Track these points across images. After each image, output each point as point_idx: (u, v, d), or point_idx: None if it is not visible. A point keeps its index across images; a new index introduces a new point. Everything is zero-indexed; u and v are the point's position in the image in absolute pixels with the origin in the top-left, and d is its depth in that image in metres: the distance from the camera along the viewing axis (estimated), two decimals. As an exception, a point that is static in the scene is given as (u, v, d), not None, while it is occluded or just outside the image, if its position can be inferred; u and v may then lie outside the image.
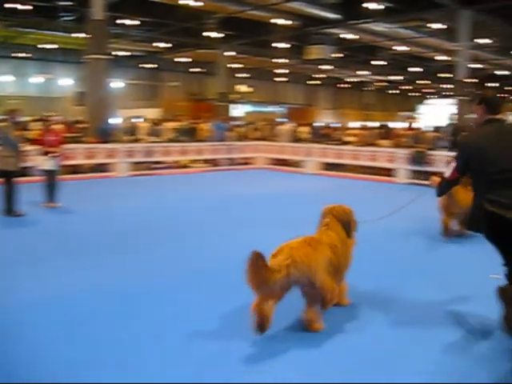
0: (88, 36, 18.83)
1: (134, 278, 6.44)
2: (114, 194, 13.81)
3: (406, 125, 24.79)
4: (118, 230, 9.13)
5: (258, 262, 4.47)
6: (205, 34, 30.43)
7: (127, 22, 27.47)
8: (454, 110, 24.25)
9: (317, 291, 4.82)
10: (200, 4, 23.65)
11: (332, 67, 45.16)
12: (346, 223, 5.39)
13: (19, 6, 24.28)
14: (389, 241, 8.65)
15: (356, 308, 5.55)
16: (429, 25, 27.16)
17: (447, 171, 5.09)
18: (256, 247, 4.49)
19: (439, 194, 5.63)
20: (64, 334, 4.77)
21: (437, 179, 5.45)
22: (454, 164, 4.99)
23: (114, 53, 34.61)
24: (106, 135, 17.85)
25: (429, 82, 54.85)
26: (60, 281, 6.29)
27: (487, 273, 6.01)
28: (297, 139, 22.18)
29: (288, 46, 34.36)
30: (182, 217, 10.62)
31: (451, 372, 4.20)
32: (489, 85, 52.22)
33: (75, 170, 17.26)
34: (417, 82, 55.27)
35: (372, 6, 22.98)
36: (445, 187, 5.33)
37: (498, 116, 5.02)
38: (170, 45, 36.08)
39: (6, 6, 24.12)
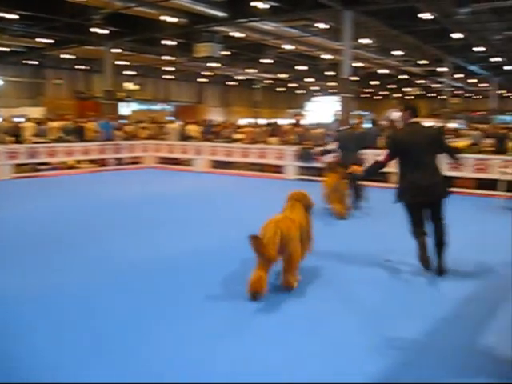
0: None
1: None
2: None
3: (293, 121, 25.36)
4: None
5: (259, 243, 5.79)
6: (90, 29, 29.65)
7: (7, 15, 26.21)
8: (339, 106, 24.91)
9: (291, 257, 6.13)
10: (85, -1, 22.99)
11: (220, 65, 45.32)
12: (305, 205, 6.84)
13: None
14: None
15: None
16: (314, 24, 27.80)
17: (380, 157, 7.20)
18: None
19: (368, 175, 8.34)
20: None
21: (357, 168, 7.95)
22: (386, 152, 7.09)
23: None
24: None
25: (315, 79, 56.24)
26: None
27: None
28: (186, 137, 22.10)
29: (176, 43, 34.15)
30: (68, 221, 10.30)
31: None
32: (371, 83, 54.42)
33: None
34: (304, 79, 56.53)
35: (258, 4, 23.22)
36: (378, 168, 7.36)
37: (417, 119, 7.15)
38: (53, 40, 34.85)
39: None
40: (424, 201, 6.82)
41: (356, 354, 4.61)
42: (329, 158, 12.66)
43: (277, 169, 18.24)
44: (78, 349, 4.61)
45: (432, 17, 24.59)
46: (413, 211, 6.92)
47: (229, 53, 37.19)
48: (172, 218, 10.54)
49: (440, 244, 6.82)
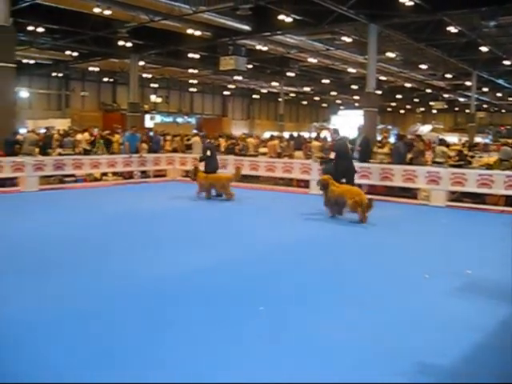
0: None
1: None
2: (20, 210, 13.20)
3: (316, 135, 25.26)
4: (26, 249, 8.71)
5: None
6: (116, 42, 29.95)
7: (35, 29, 26.59)
8: (363, 121, 24.81)
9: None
10: (111, 12, 23.16)
11: (245, 78, 45.50)
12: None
13: None
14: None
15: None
16: (339, 38, 27.78)
17: (331, 155, 13.07)
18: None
19: (326, 168, 13.73)
20: None
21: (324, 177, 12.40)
22: (333, 153, 12.98)
23: (21, 60, 33.60)
24: (10, 147, 17.08)
25: (339, 93, 56.19)
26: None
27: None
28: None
29: (200, 56, 34.35)
30: (95, 233, 10.28)
31: None
32: (396, 97, 54.18)
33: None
34: (328, 93, 56.48)
35: (283, 18, 23.26)
36: (329, 162, 13.13)
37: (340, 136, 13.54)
38: (79, 53, 35.27)
39: None
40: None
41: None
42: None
43: (303, 183, 18.14)
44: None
45: (458, 30, 24.41)
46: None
47: (253, 66, 37.34)
48: (194, 232, 10.47)
49: None
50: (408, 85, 45.84)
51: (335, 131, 14.58)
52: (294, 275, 7.45)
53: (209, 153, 15.66)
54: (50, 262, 7.89)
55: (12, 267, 7.48)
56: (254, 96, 62.94)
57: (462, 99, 51.74)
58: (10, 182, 16.97)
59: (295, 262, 8.18)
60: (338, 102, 65.74)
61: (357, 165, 16.12)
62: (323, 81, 46.27)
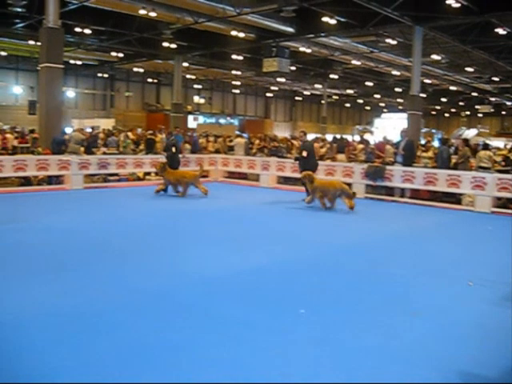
0: (42, 44, 18.40)
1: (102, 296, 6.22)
2: (67, 207, 13.43)
3: (359, 138, 25.09)
4: (71, 246, 8.84)
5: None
6: (161, 44, 30.29)
7: (82, 30, 27.11)
8: (406, 124, 24.58)
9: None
10: (156, 14, 23.45)
11: (288, 80, 45.50)
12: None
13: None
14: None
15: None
16: (383, 40, 27.56)
17: (304, 153, 14.60)
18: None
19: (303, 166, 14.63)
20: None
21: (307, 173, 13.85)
22: (305, 152, 14.56)
23: (68, 61, 34.24)
24: (58, 146, 17.42)
25: (383, 96, 55.79)
26: (11, 300, 6.00)
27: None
28: (252, 152, 22.18)
29: (244, 58, 34.49)
30: (141, 232, 10.38)
31: None
32: (440, 100, 53.48)
33: (27, 181, 16.88)
34: (371, 95, 56.10)
35: (327, 20, 23.20)
36: (303, 159, 14.62)
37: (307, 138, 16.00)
38: (125, 54, 35.79)
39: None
40: None
41: None
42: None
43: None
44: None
45: (506, 32, 23.95)
46: None
47: (297, 68, 37.34)
48: (235, 233, 10.47)
49: None
50: (453, 88, 45.22)
51: (304, 133, 16.10)
52: (338, 277, 7.41)
53: (174, 149, 16.32)
54: (93, 258, 8.00)
55: (56, 263, 7.61)
56: (297, 98, 62.91)
57: (509, 103, 50.79)
58: (56, 179, 17.32)
59: (338, 265, 8.13)
60: (382, 104, 65.27)
61: (400, 168, 16.03)
62: (367, 83, 46.00)
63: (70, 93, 42.99)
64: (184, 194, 15.41)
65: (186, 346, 4.88)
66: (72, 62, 37.20)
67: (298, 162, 15.41)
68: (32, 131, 22.76)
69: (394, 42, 27.68)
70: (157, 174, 16.54)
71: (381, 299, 6.52)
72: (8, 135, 22.24)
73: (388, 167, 16.32)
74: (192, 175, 15.73)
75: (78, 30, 27.03)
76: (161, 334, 5.18)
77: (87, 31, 27.52)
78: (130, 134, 23.35)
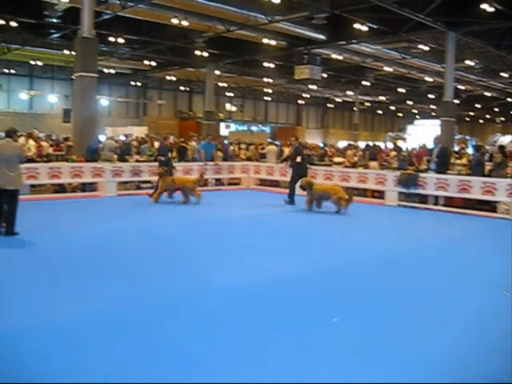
0: (76, 53, 18.68)
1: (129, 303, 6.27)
2: (100, 214, 13.57)
3: (392, 145, 24.91)
4: (106, 252, 8.92)
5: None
6: (193, 52, 30.53)
7: (115, 39, 27.48)
8: (440, 131, 24.34)
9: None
10: (188, 23, 23.65)
11: (320, 87, 45.41)
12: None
13: (5, 22, 24.24)
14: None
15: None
16: (415, 46, 27.38)
17: (298, 159, 15.38)
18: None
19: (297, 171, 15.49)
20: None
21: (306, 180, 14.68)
22: (300, 158, 15.41)
23: (102, 70, 34.70)
24: (92, 154, 17.65)
25: (415, 102, 55.34)
26: (49, 306, 6.08)
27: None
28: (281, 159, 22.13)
29: (276, 65, 34.53)
30: (177, 240, 10.43)
31: None
32: (474, 106, 52.84)
33: (61, 189, 17.11)
34: (404, 102, 55.68)
35: (359, 27, 23.13)
36: (297, 165, 15.47)
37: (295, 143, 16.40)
38: (156, 63, 36.15)
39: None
40: None
41: None
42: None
43: (377, 194, 17.91)
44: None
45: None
46: None
47: (329, 75, 37.25)
48: (269, 241, 10.46)
49: None
50: (487, 93, 44.65)
51: (295, 139, 16.73)
52: (372, 286, 7.36)
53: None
54: (130, 264, 8.07)
55: (87, 270, 7.71)
56: (329, 105, 62.74)
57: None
58: (90, 187, 17.53)
59: (372, 273, 8.07)
60: (414, 111, 64.72)
61: (434, 176, 15.86)
62: (399, 90, 45.69)
63: (104, 101, 43.55)
64: (200, 197, 15.57)
65: (217, 352, 4.90)
66: (106, 70, 37.72)
67: (291, 166, 16.15)
68: (66, 139, 23.07)
69: (427, 48, 27.45)
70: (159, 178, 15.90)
71: (415, 309, 6.46)
72: (43, 143, 22.55)
73: (421, 174, 16.16)
74: (192, 181, 15.81)
75: (111, 39, 27.43)
76: (197, 339, 5.20)
77: (120, 40, 27.89)
78: (155, 142, 23.51)
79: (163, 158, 16.22)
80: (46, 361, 4.64)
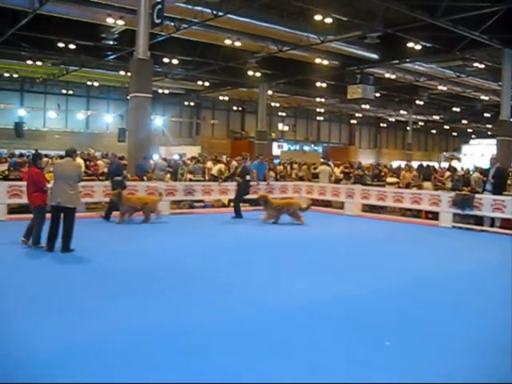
0: (132, 74, 19.06)
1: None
2: (155, 233, 13.70)
3: (446, 165, 24.48)
4: (158, 271, 8.99)
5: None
6: (246, 72, 30.82)
7: (170, 60, 28.02)
8: (496, 150, 23.86)
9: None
10: (240, 44, 23.91)
11: (373, 107, 45.15)
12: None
13: (64, 45, 25.06)
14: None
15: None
16: (470, 64, 26.99)
17: (248, 177, 16.73)
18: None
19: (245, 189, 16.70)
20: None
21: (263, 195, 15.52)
22: (249, 176, 16.71)
23: (156, 90, 35.35)
24: (142, 172, 17.94)
25: (470, 121, 54.38)
26: (101, 324, 6.14)
27: None
28: (336, 180, 22.00)
29: (328, 85, 34.53)
30: (229, 258, 10.46)
31: None
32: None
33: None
34: (460, 121, 54.75)
35: (412, 45, 22.97)
36: (246, 182, 16.58)
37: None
38: (209, 83, 36.58)
39: (59, 45, 25.01)
40: None
41: None
42: None
43: (431, 215, 17.57)
44: None
45: None
46: None
47: (381, 94, 37.01)
48: (322, 262, 10.37)
49: None
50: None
51: (243, 158, 17.82)
52: (424, 309, 7.20)
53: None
54: (185, 282, 8.11)
55: (155, 286, 7.78)
56: (382, 124, 62.26)
57: None
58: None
59: (425, 296, 7.90)
60: (469, 130, 63.56)
61: (490, 197, 15.47)
62: (453, 109, 45.04)
63: (158, 121, 44.27)
64: (160, 214, 15.20)
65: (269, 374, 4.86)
66: (160, 91, 38.42)
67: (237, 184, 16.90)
68: (121, 158, 23.49)
69: (482, 66, 27.06)
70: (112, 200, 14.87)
71: (468, 333, 6.29)
72: (99, 162, 23.02)
73: (477, 195, 15.80)
74: (153, 200, 15.19)
75: (165, 60, 27.98)
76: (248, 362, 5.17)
77: (174, 61, 28.41)
78: (221, 165, 23.64)
79: (120, 178, 15.39)
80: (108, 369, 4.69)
